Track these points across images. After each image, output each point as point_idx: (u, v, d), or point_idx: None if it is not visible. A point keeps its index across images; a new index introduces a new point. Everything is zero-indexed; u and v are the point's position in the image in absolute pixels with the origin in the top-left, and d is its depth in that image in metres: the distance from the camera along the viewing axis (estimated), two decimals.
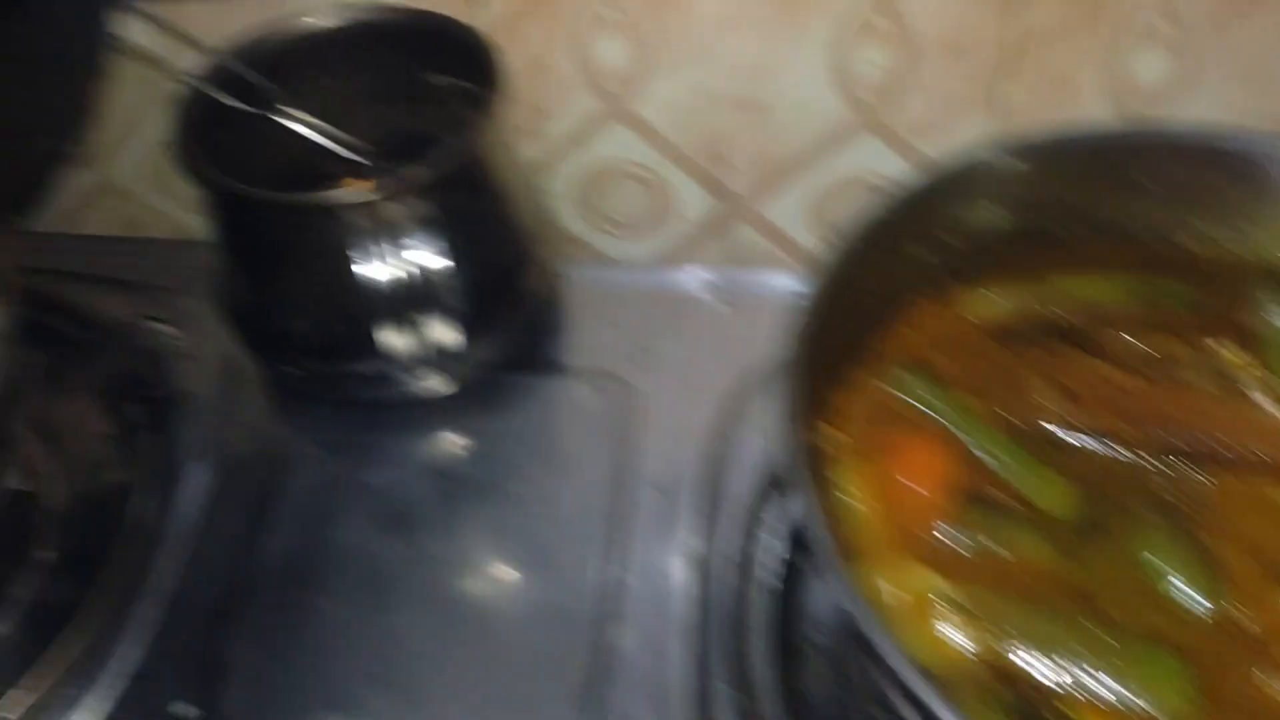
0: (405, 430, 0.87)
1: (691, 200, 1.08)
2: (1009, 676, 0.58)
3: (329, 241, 0.76)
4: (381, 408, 0.87)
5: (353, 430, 0.87)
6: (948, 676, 0.58)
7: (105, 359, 0.87)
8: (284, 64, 0.86)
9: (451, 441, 0.86)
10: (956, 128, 0.98)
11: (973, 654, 0.59)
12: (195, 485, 0.84)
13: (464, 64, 0.86)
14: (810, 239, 1.08)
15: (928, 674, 0.51)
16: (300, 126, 0.85)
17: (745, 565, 0.79)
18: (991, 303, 0.75)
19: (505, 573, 0.79)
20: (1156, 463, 0.65)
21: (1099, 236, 0.75)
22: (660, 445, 0.86)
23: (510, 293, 0.88)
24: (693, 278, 1.00)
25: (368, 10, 0.90)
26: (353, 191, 0.77)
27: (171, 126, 0.81)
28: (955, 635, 0.60)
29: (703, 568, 0.79)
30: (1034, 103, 0.95)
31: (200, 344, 0.91)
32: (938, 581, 0.61)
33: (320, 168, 0.87)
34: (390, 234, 0.72)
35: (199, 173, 0.78)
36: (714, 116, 1.02)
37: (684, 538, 0.81)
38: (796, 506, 0.58)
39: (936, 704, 0.50)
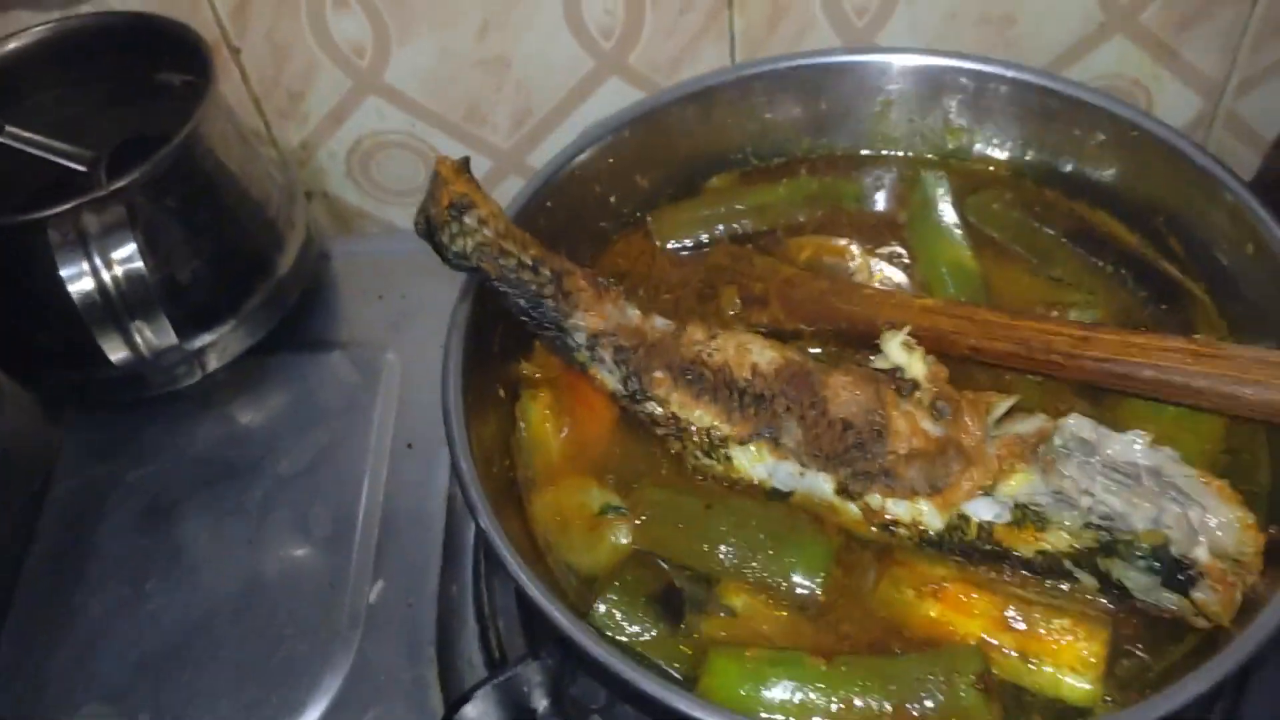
0: (167, 423, 0.88)
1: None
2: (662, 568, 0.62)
3: (39, 257, 0.75)
4: (140, 405, 0.88)
5: (114, 430, 0.88)
6: (602, 573, 0.62)
7: None
8: (5, 81, 0.86)
9: (211, 428, 0.88)
10: (695, 61, 1.00)
11: (631, 552, 0.62)
12: None
13: (187, 60, 0.87)
14: None
15: (535, 579, 0.55)
16: (21, 144, 0.85)
17: None
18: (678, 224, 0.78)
19: (263, 548, 0.81)
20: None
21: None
22: (417, 407, 0.88)
23: (260, 278, 0.89)
24: None
25: (82, 18, 0.90)
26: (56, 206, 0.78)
27: None
28: (620, 539, 0.63)
29: (453, 516, 0.82)
30: (764, 33, 0.97)
31: None
32: (609, 496, 0.65)
33: (73, 187, 0.88)
34: (94, 243, 0.73)
35: None
36: (465, 78, 1.03)
37: (437, 490, 0.83)
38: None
39: (538, 596, 0.54)
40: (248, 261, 0.88)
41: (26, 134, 0.85)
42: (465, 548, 0.80)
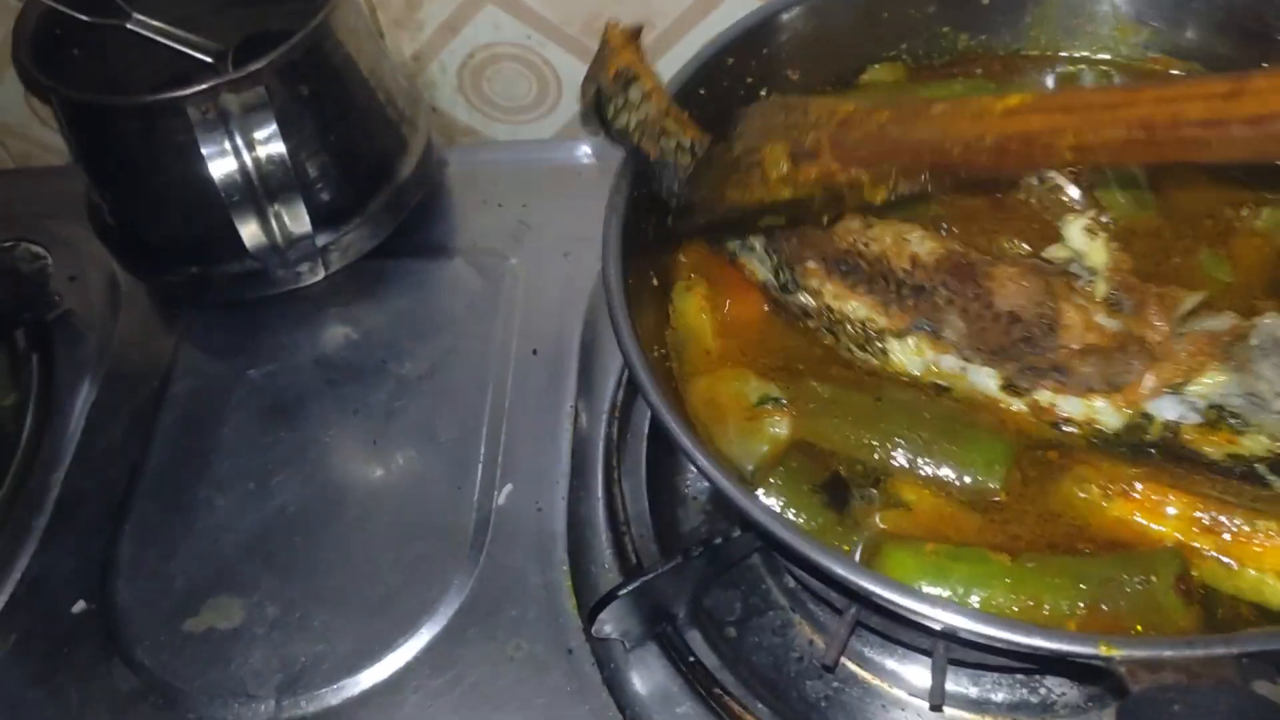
0: (287, 324, 0.87)
1: (574, 75, 1.07)
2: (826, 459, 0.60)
3: (176, 140, 0.75)
4: (261, 305, 0.87)
5: (235, 330, 0.87)
6: (759, 465, 0.59)
7: None
8: None
9: (333, 330, 0.86)
10: None
11: (793, 442, 0.60)
12: (82, 400, 0.85)
13: None
14: None
15: (712, 458, 0.52)
16: (151, 33, 0.84)
17: (620, 416, 0.79)
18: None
19: (390, 448, 0.80)
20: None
21: None
22: (542, 314, 0.86)
23: (385, 178, 0.87)
24: (575, 151, 0.99)
25: None
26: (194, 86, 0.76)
27: (13, 40, 0.80)
28: (779, 430, 0.60)
29: (581, 423, 0.80)
30: None
31: (82, 264, 0.92)
32: (768, 387, 0.62)
33: (192, 80, 0.86)
34: (235, 123, 0.71)
35: (39, 85, 0.77)
36: None
37: (564, 397, 0.81)
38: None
39: (717, 474, 0.51)
40: (373, 160, 0.86)
41: (155, 22, 0.83)
42: (594, 453, 0.78)
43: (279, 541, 0.76)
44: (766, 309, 0.66)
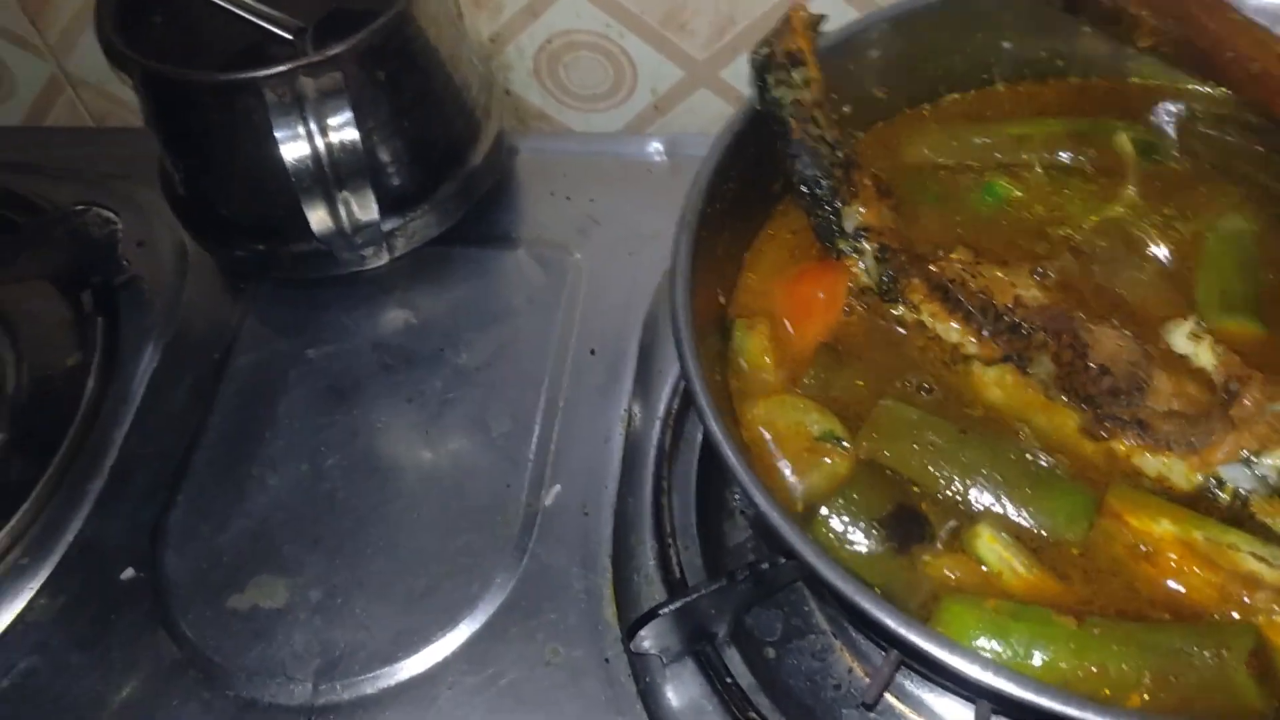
0: (348, 305, 0.87)
1: (650, 68, 1.05)
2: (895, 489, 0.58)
3: (251, 119, 0.75)
4: (324, 284, 0.87)
5: (297, 308, 0.87)
6: (821, 497, 0.58)
7: (57, 247, 0.88)
8: None
9: (393, 315, 0.86)
10: None
11: (859, 466, 0.59)
12: (144, 366, 0.86)
13: None
14: None
15: (762, 489, 0.51)
16: (233, 6, 0.83)
17: (674, 424, 0.78)
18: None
19: (441, 439, 0.80)
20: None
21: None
22: (602, 313, 0.85)
23: (455, 165, 0.87)
24: (646, 146, 0.97)
25: None
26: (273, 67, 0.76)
27: (95, 10, 0.81)
28: (838, 468, 0.59)
29: (634, 427, 0.79)
30: None
31: (151, 230, 0.92)
32: (831, 423, 0.61)
33: (269, 55, 0.86)
34: (310, 107, 0.71)
35: (119, 54, 0.77)
36: None
37: (619, 400, 0.80)
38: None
39: (769, 507, 0.50)
40: (445, 147, 0.85)
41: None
42: (645, 460, 0.77)
43: (327, 525, 0.76)
44: (838, 332, 0.65)
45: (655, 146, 0.97)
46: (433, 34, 0.81)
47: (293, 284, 0.88)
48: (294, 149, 0.71)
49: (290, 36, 0.83)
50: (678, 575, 0.72)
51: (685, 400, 0.79)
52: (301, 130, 0.71)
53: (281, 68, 0.71)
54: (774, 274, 0.67)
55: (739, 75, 1.05)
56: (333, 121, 0.71)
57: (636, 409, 0.80)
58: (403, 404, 0.82)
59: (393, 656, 0.71)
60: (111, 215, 0.88)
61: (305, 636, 0.72)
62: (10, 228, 0.91)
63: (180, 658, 0.72)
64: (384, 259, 0.85)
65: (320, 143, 0.71)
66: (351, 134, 0.72)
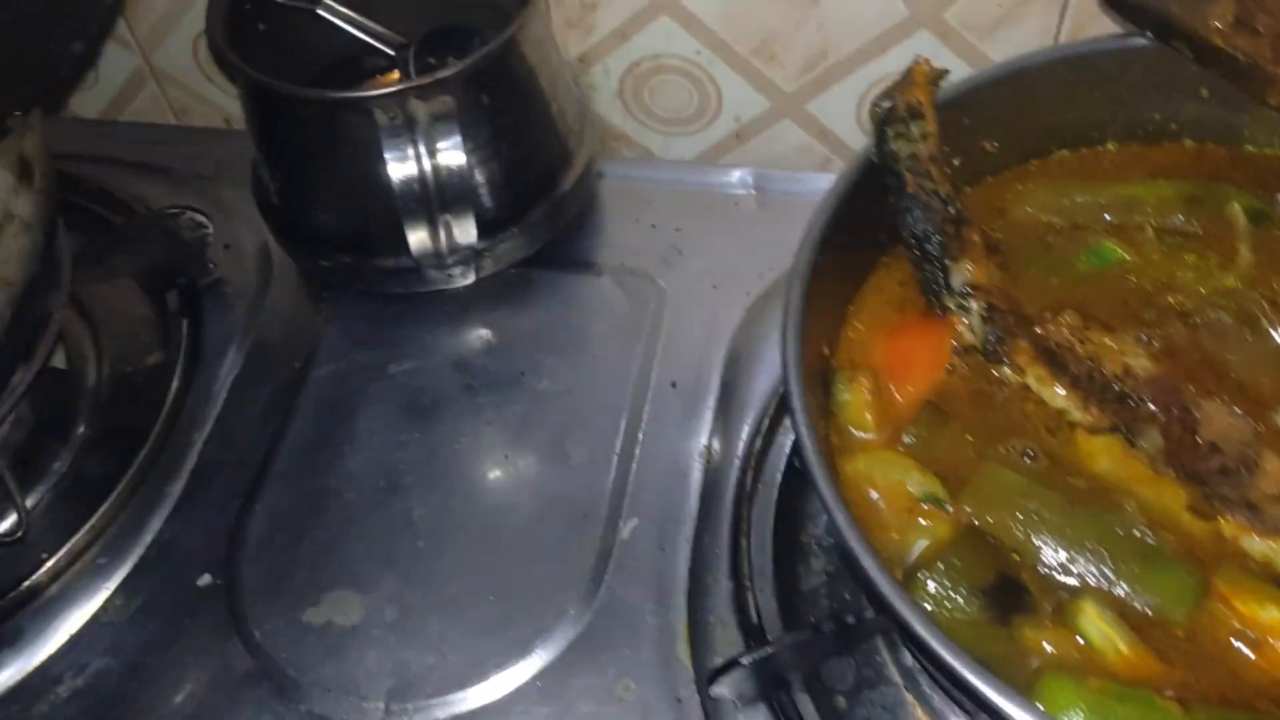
0: (430, 323, 0.87)
1: (736, 96, 1.05)
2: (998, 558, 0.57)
3: (357, 137, 0.75)
4: (408, 300, 0.87)
5: (379, 322, 0.87)
6: (920, 560, 0.57)
7: (144, 245, 0.88)
8: None
9: (475, 335, 0.86)
10: (1019, 27, 0.93)
11: (962, 531, 0.58)
12: (226, 370, 0.87)
13: None
14: (858, 139, 1.04)
15: (871, 550, 0.51)
16: (338, 20, 0.84)
17: (754, 463, 0.78)
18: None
19: (520, 464, 0.80)
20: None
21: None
22: (684, 345, 0.85)
23: (546, 190, 0.87)
24: (733, 178, 0.97)
25: None
26: (381, 86, 0.76)
27: (207, 16, 0.81)
28: (938, 531, 0.59)
29: (712, 464, 0.78)
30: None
31: (237, 233, 0.93)
32: (933, 485, 0.60)
33: (366, 65, 0.87)
34: (420, 130, 0.71)
35: (229, 65, 0.78)
36: (766, 9, 0.98)
37: (698, 435, 0.80)
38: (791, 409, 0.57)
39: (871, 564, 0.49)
40: (538, 171, 0.85)
41: (343, 9, 0.84)
42: (723, 499, 0.77)
43: (403, 544, 0.76)
44: (941, 390, 0.64)
45: (743, 179, 0.96)
46: (536, 60, 0.81)
47: (376, 298, 0.88)
48: (401, 169, 0.71)
49: (393, 53, 0.83)
50: (754, 619, 0.71)
51: (767, 439, 0.79)
52: (410, 152, 0.71)
53: (393, 88, 0.72)
54: (876, 327, 0.67)
55: (824, 109, 1.04)
56: (441, 145, 0.71)
57: (716, 445, 0.79)
58: (483, 426, 0.82)
59: (465, 682, 0.71)
60: (204, 219, 0.89)
61: (379, 656, 0.72)
62: (103, 225, 0.91)
63: (253, 668, 0.72)
64: (470, 279, 0.85)
65: (427, 165, 0.72)
66: (458, 157, 0.72)
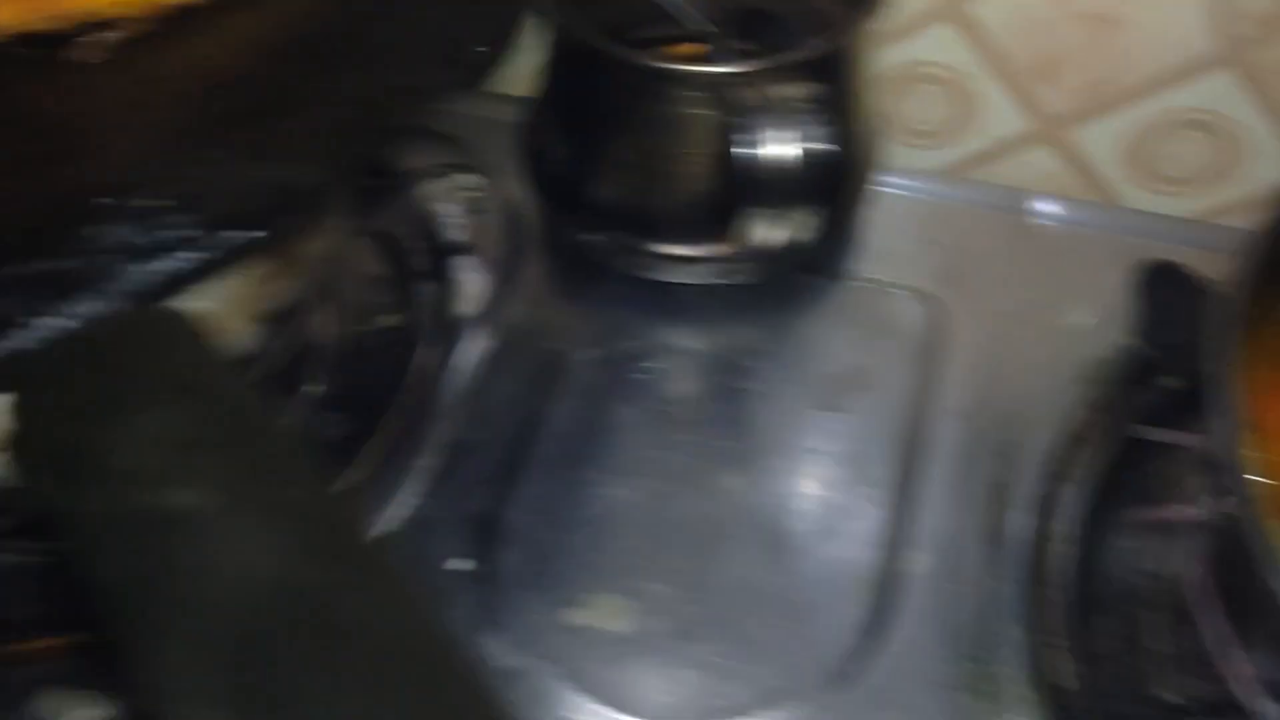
0: (699, 318, 0.82)
1: (997, 115, 1.00)
2: None
3: (685, 113, 0.70)
4: (673, 290, 0.82)
5: (643, 309, 0.83)
6: None
7: (409, 206, 0.84)
8: None
9: (746, 337, 0.82)
10: None
11: None
12: (476, 343, 0.82)
13: None
14: (1119, 175, 0.99)
15: None
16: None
17: (1047, 510, 0.73)
18: None
19: (793, 481, 0.75)
20: None
21: None
22: (970, 371, 0.80)
23: (838, 195, 0.82)
24: (1026, 205, 0.92)
25: None
26: (720, 65, 0.72)
27: None
28: None
29: (1002, 502, 0.73)
30: None
31: (497, 204, 0.88)
32: None
33: (645, 25, 0.82)
34: (759, 116, 0.66)
35: (549, 13, 0.73)
36: (1058, 27, 0.93)
37: (986, 470, 0.75)
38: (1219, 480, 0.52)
39: None
40: (836, 174, 0.80)
41: None
42: (1015, 543, 0.72)
43: (671, 554, 0.72)
44: None
45: (1037, 206, 0.91)
46: (864, 55, 0.76)
47: (639, 283, 0.83)
48: (730, 155, 0.66)
49: (714, 30, 0.78)
50: (1049, 678, 0.67)
51: (1056, 484, 0.74)
52: (744, 138, 0.66)
53: (744, 68, 0.67)
54: (1263, 385, 0.61)
55: (1089, 139, 0.99)
56: (777, 135, 0.67)
57: (1009, 490, 0.74)
58: (754, 436, 0.77)
59: (735, 711, 0.66)
60: (473, 181, 0.84)
61: (644, 670, 0.67)
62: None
63: (509, 665, 0.68)
64: (751, 278, 0.80)
65: (760, 153, 0.67)
66: (792, 151, 0.67)
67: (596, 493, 0.74)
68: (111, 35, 0.53)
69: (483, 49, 0.55)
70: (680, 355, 0.81)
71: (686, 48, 0.84)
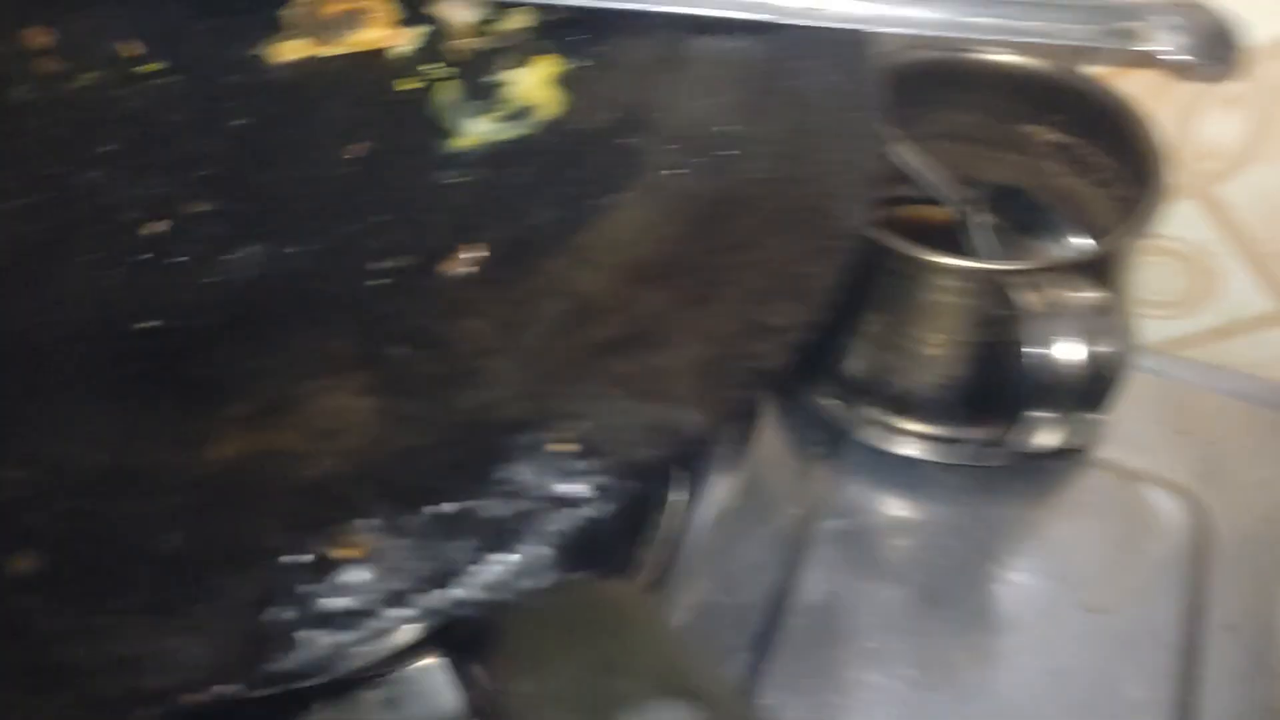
0: (946, 497, 0.81)
1: (1238, 293, 0.98)
2: None
3: (935, 300, 0.71)
4: (921, 467, 0.81)
5: (889, 482, 0.82)
6: None
7: None
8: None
9: (1000, 520, 0.80)
10: None
11: None
12: (717, 503, 0.81)
13: (1077, 121, 0.80)
14: None
15: None
16: (910, 168, 0.79)
17: None
18: None
19: (1061, 688, 0.72)
20: None
21: None
22: (1239, 579, 0.76)
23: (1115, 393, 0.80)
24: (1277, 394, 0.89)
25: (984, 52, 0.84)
26: (994, 263, 0.72)
27: None
28: None
29: None
30: None
31: None
32: None
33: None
34: (1038, 316, 0.65)
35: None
36: None
37: (1267, 693, 0.72)
38: None
39: None
40: (1109, 379, 0.78)
41: (923, 156, 0.79)
42: None
43: None
44: None
45: None
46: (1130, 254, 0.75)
47: (880, 454, 0.82)
48: (1029, 356, 0.66)
49: (962, 208, 0.78)
50: None
51: None
52: (1044, 339, 0.65)
53: (1038, 266, 0.66)
54: None
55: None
56: (1072, 338, 0.66)
57: None
58: (1010, 630, 0.75)
59: None
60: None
61: None
62: None
63: None
64: (1003, 462, 0.79)
65: (1058, 356, 0.66)
66: (1083, 354, 0.66)
67: (851, 677, 0.73)
68: (483, 253, 0.51)
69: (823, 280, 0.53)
70: (930, 534, 0.79)
71: (929, 210, 0.84)
